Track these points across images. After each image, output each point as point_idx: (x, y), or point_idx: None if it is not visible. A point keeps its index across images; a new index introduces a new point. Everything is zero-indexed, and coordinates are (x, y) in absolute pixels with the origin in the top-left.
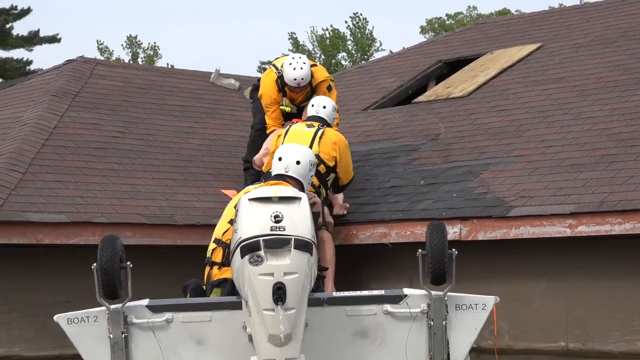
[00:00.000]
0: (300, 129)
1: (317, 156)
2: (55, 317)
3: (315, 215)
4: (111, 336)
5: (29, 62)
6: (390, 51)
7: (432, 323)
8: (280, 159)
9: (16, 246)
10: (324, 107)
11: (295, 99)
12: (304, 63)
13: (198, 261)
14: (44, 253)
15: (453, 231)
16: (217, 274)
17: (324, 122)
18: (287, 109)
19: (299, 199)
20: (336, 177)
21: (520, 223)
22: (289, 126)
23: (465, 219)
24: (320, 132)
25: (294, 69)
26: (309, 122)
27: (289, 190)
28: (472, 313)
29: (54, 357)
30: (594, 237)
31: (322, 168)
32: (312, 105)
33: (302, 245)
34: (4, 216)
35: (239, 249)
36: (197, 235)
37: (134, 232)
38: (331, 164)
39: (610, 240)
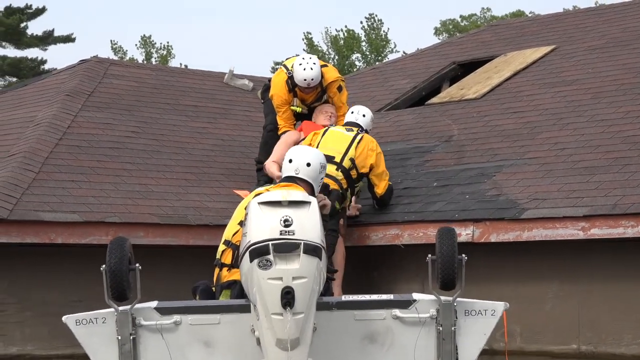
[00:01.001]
0: (339, 131)
1: (352, 160)
2: (63, 318)
3: (324, 217)
4: (119, 338)
5: (44, 62)
6: (404, 52)
7: (441, 328)
8: (290, 160)
9: (29, 245)
10: (364, 115)
11: (305, 100)
12: (314, 63)
13: (210, 261)
14: (57, 252)
15: (466, 233)
16: (226, 275)
17: (362, 129)
18: (298, 110)
19: (308, 203)
20: (371, 184)
21: (533, 225)
22: (327, 127)
23: (477, 221)
24: (359, 137)
25: (304, 69)
26: (348, 127)
27: (298, 194)
28: (481, 319)
29: (67, 356)
30: (607, 240)
31: (354, 173)
32: (352, 112)
33: (311, 249)
34: (18, 215)
35: (248, 253)
36: (209, 235)
37: (147, 232)
38: (365, 170)
39: (623, 243)
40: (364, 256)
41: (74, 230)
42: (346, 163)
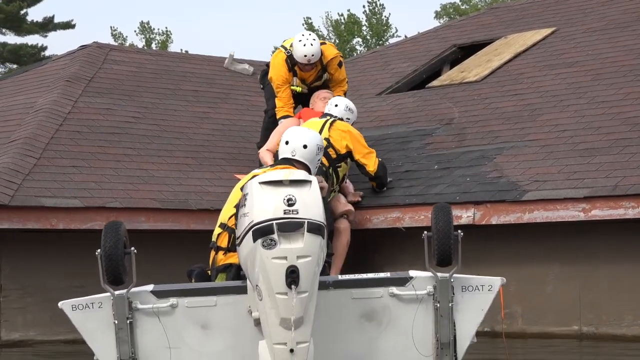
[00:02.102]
0: (314, 120)
1: (327, 140)
2: (60, 304)
3: (323, 200)
4: (116, 322)
5: (44, 48)
6: (405, 36)
7: (438, 305)
8: (287, 142)
9: (30, 231)
10: (336, 105)
11: (306, 79)
12: (314, 39)
13: None
14: (59, 238)
15: (467, 215)
16: (222, 259)
17: (335, 118)
18: (298, 89)
19: (309, 182)
20: (361, 166)
21: (533, 207)
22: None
23: (478, 203)
24: (330, 120)
25: (304, 45)
26: (322, 116)
27: (300, 173)
28: (478, 294)
29: (69, 341)
30: (608, 221)
31: (332, 152)
32: (329, 104)
33: (315, 228)
34: (19, 201)
35: (251, 233)
36: (210, 219)
37: (148, 217)
38: (342, 150)
39: (623, 224)
40: (365, 239)
41: (75, 215)
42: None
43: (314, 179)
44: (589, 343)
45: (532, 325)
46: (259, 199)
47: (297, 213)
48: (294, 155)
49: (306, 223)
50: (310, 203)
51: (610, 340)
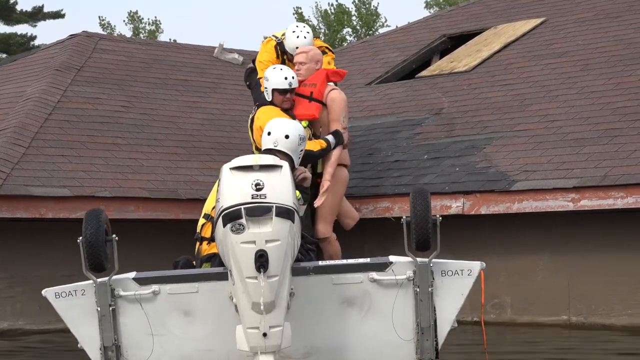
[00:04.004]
0: None
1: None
2: (43, 292)
3: (305, 190)
4: (99, 309)
5: (33, 38)
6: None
7: (418, 290)
8: (269, 133)
9: (19, 220)
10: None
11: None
12: (308, 32)
13: None
14: (47, 227)
15: (456, 205)
16: (206, 249)
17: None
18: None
19: (280, 167)
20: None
21: (523, 197)
22: None
23: (468, 193)
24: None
25: (297, 37)
26: None
27: (269, 158)
28: (458, 279)
29: (58, 330)
30: (597, 211)
31: None
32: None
33: (284, 212)
34: (8, 190)
35: (220, 218)
36: (200, 209)
37: (137, 206)
38: None
39: (612, 215)
40: (355, 229)
41: (64, 205)
42: None
43: (285, 163)
44: (578, 333)
45: (521, 315)
46: (228, 184)
47: (265, 197)
48: (276, 146)
49: (274, 207)
50: (279, 188)
51: (599, 330)
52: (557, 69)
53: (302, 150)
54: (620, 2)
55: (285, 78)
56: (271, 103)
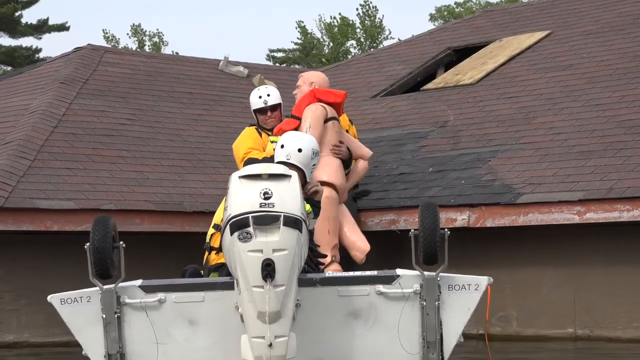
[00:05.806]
0: None
1: None
2: (48, 298)
3: (316, 203)
4: (104, 316)
5: (38, 50)
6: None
7: (424, 303)
8: (282, 146)
9: (25, 233)
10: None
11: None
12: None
13: None
14: (53, 240)
15: (461, 218)
16: (214, 258)
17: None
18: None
19: (288, 176)
20: None
21: (528, 210)
22: None
23: (473, 206)
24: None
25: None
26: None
27: (279, 167)
28: (465, 293)
29: (63, 343)
30: (603, 224)
31: None
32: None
33: (292, 222)
34: (13, 203)
35: (228, 226)
36: (205, 222)
37: (143, 219)
38: None
39: (618, 228)
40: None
41: (69, 217)
42: None
43: (294, 173)
44: (583, 345)
45: (526, 328)
46: (237, 192)
47: (273, 206)
48: (289, 159)
49: (282, 216)
50: (287, 197)
51: (605, 343)
52: (562, 81)
53: (314, 165)
54: (625, 15)
55: (260, 97)
56: (258, 124)
